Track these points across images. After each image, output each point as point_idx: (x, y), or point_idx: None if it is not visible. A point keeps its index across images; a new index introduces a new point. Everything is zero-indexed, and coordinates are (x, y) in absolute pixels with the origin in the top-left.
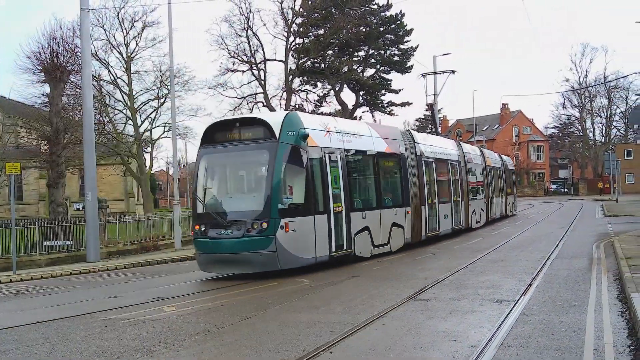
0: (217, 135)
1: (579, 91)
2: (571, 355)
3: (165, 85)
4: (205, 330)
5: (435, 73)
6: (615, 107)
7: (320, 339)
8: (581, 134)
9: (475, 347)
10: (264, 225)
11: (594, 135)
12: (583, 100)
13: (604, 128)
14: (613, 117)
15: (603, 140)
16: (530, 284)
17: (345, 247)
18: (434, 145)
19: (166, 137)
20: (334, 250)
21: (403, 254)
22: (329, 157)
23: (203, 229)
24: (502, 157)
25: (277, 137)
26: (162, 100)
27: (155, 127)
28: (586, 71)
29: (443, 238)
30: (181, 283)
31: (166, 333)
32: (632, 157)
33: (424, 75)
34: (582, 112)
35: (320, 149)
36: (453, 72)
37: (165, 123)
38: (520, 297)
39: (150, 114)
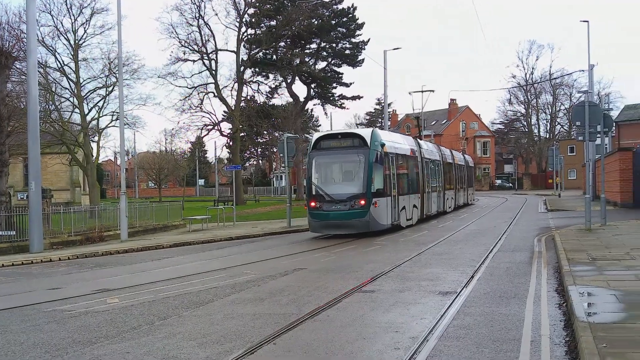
0: (324, 143)
1: (525, 88)
2: (509, 346)
3: (114, 73)
4: (149, 322)
5: (416, 92)
6: (559, 104)
7: (265, 330)
8: (526, 129)
9: (417, 338)
10: (363, 202)
11: (539, 131)
12: (529, 97)
13: (548, 124)
14: (557, 113)
15: (547, 137)
16: (472, 277)
17: (396, 220)
18: (429, 149)
19: (114, 126)
20: (391, 222)
21: (353, 245)
22: (391, 158)
23: (318, 204)
24: (465, 155)
25: (369, 145)
26: (110, 89)
27: (102, 115)
28: (532, 68)
29: (432, 218)
30: (126, 274)
31: (108, 325)
32: (574, 154)
33: (410, 93)
34: (528, 108)
35: (388, 153)
36: (432, 91)
37: (113, 112)
38: (462, 289)
39: (98, 102)
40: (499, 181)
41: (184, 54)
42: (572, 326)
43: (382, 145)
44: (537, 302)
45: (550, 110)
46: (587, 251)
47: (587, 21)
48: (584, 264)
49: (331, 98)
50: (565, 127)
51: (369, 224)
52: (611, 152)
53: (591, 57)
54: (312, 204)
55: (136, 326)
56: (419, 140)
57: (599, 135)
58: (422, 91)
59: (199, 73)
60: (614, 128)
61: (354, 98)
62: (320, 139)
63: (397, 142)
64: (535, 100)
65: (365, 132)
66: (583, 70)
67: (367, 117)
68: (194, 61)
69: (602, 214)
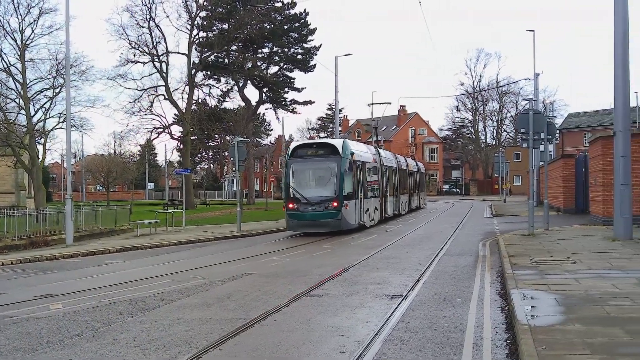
0: (300, 151)
1: (472, 95)
2: (452, 349)
3: (61, 74)
4: (92, 328)
5: (376, 103)
6: (506, 111)
7: (211, 336)
8: (473, 136)
9: (362, 341)
10: (335, 204)
11: (486, 138)
12: (476, 104)
13: (495, 131)
14: (504, 121)
15: (494, 143)
16: (418, 280)
17: (362, 220)
18: (387, 156)
19: (61, 128)
20: (358, 222)
21: (302, 249)
22: (359, 166)
23: (296, 206)
24: (417, 162)
25: (340, 154)
26: (57, 90)
27: (49, 117)
28: (480, 76)
29: (389, 219)
30: (70, 280)
31: (51, 331)
32: (520, 160)
33: (369, 105)
34: (475, 115)
35: (356, 161)
36: (389, 103)
37: (61, 113)
38: (408, 292)
39: (45, 103)
40: (446, 186)
41: (134, 55)
42: (514, 329)
43: (352, 154)
44: (481, 306)
45: (496, 118)
46: (529, 255)
47: (532, 30)
48: (526, 268)
49: (283, 103)
50: (511, 134)
51: (340, 224)
52: (555, 159)
53: (537, 65)
54: (290, 205)
55: (79, 332)
56: (379, 149)
57: (542, 142)
58: (381, 103)
59: (150, 75)
60: (557, 135)
61: (305, 103)
62: (297, 147)
63: (363, 151)
64: (482, 107)
65: (337, 142)
66: (529, 79)
67: (319, 122)
68: (144, 63)
69: (545, 219)
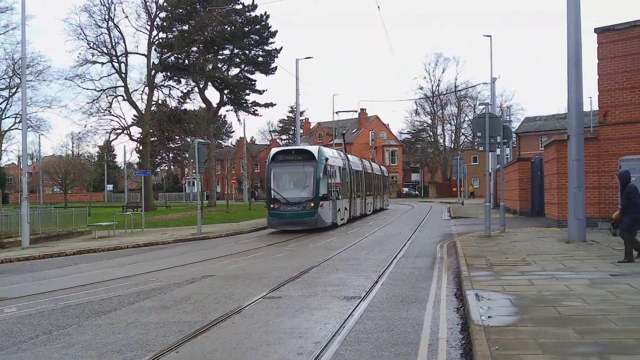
0: (280, 156)
1: (431, 99)
2: (407, 349)
3: (18, 74)
4: (47, 331)
5: (341, 111)
6: (464, 115)
7: (168, 339)
8: (432, 139)
9: (320, 343)
10: (312, 204)
11: (444, 141)
12: (435, 108)
13: (453, 135)
14: (462, 124)
15: (452, 146)
16: (376, 282)
17: (335, 219)
18: (355, 161)
19: (17, 128)
20: (331, 220)
21: (262, 251)
22: (331, 170)
23: (277, 206)
24: (381, 166)
25: (316, 159)
26: (13, 90)
27: (5, 117)
28: (439, 80)
29: (357, 219)
30: (25, 283)
31: (4, 335)
32: (478, 163)
33: (337, 113)
34: (434, 119)
35: (330, 166)
36: (356, 111)
37: (17, 114)
38: (366, 294)
39: (0, 104)
40: (406, 189)
41: (93, 56)
42: (469, 329)
43: (326, 159)
44: (437, 306)
45: (455, 121)
46: (485, 257)
47: (489, 36)
48: (482, 269)
49: (244, 105)
50: (469, 138)
51: (317, 222)
52: (511, 162)
53: (495, 70)
54: (272, 205)
55: (33, 336)
56: (347, 154)
57: (499, 145)
58: (347, 111)
59: (108, 76)
60: (514, 139)
61: (267, 105)
62: (277, 153)
63: (335, 157)
64: (441, 111)
65: (314, 149)
66: (486, 83)
67: (281, 125)
68: (102, 63)
69: (502, 222)
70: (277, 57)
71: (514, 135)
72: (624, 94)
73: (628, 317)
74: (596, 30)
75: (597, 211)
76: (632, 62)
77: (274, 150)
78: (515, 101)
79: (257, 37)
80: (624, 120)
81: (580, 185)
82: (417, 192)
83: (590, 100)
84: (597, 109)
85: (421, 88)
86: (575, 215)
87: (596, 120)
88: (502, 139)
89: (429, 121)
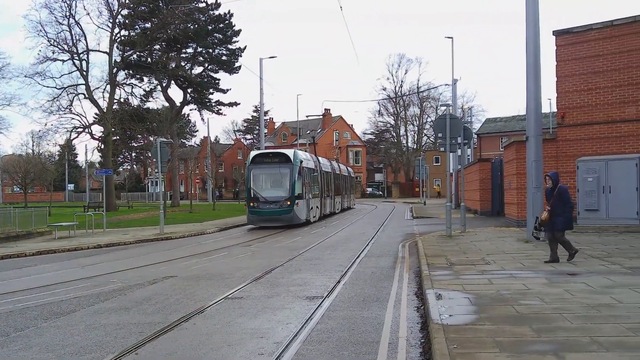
0: (258, 159)
1: (394, 100)
2: (368, 348)
3: None
4: (4, 333)
5: (312, 116)
6: (426, 116)
7: (128, 340)
8: (395, 140)
9: (281, 343)
10: (289, 203)
11: (407, 142)
12: (398, 109)
13: (416, 135)
14: (424, 125)
15: (415, 147)
16: (338, 281)
17: (308, 216)
18: (325, 163)
19: None
20: (305, 218)
21: (225, 251)
22: (305, 171)
23: (255, 204)
24: (348, 167)
25: (292, 162)
26: None
27: None
28: (402, 81)
29: (327, 217)
30: None
31: None
32: (440, 164)
33: (307, 116)
34: (397, 120)
35: (304, 168)
36: (324, 115)
37: None
38: (328, 294)
39: None
40: (370, 189)
41: (53, 53)
42: (428, 328)
43: (301, 162)
44: (398, 306)
45: (417, 122)
46: (446, 256)
47: (451, 37)
48: (442, 269)
49: (208, 104)
50: (432, 139)
51: (292, 218)
52: (472, 162)
53: (457, 71)
54: (251, 204)
55: None
56: (318, 157)
57: (459, 146)
58: (316, 116)
59: (69, 73)
60: (475, 140)
61: (231, 104)
62: (256, 156)
63: (308, 160)
64: (404, 112)
65: (290, 152)
66: (447, 85)
67: (245, 124)
68: (63, 61)
69: (462, 221)
70: (241, 56)
71: (475, 136)
72: (581, 96)
73: (583, 316)
74: (554, 32)
75: None
76: (588, 64)
77: (253, 153)
78: (476, 102)
79: (220, 35)
80: (581, 122)
81: (539, 185)
82: (380, 192)
83: (550, 101)
84: (556, 110)
85: (384, 89)
86: (534, 215)
87: (555, 121)
88: (462, 140)
89: (392, 122)
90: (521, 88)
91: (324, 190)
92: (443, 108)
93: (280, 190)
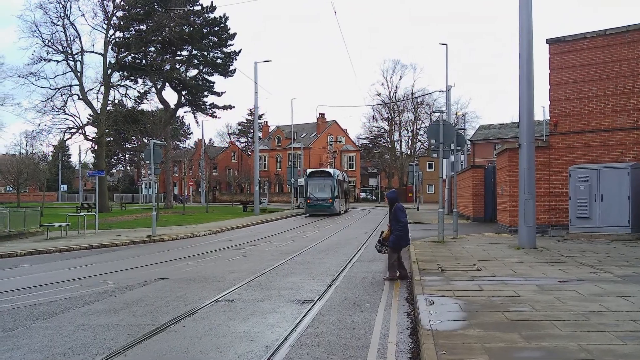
0: (313, 173)
1: (389, 105)
2: (357, 353)
3: None
4: None
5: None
6: (420, 122)
7: (117, 342)
8: (389, 145)
9: (270, 346)
10: (330, 200)
11: (401, 147)
12: (392, 115)
13: (410, 141)
14: (418, 131)
15: (409, 153)
16: (330, 286)
17: (342, 211)
18: (343, 174)
19: None
20: (339, 211)
21: (217, 254)
22: (339, 182)
23: (311, 201)
24: (344, 173)
25: (333, 176)
26: None
27: None
28: (396, 87)
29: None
30: None
31: None
32: (433, 169)
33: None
34: (391, 125)
35: (339, 179)
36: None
37: None
38: (319, 298)
39: None
40: (363, 194)
41: (48, 53)
42: (417, 334)
43: (337, 176)
44: (388, 311)
45: (411, 128)
46: (437, 262)
47: (445, 44)
48: (433, 274)
49: (202, 106)
50: (425, 144)
51: (333, 210)
52: (465, 169)
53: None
54: (308, 201)
55: None
56: (342, 172)
57: (452, 152)
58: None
59: (64, 74)
60: (468, 146)
61: (225, 107)
62: (311, 172)
63: (339, 174)
64: (398, 117)
65: (331, 170)
66: (442, 91)
67: (240, 127)
68: (57, 62)
69: (455, 227)
70: (236, 59)
71: (469, 142)
72: (574, 104)
73: (572, 323)
74: (548, 41)
75: (547, 218)
76: (581, 73)
77: (309, 170)
78: (470, 109)
79: (216, 38)
80: (573, 130)
81: (530, 192)
82: (374, 197)
83: (543, 109)
84: (549, 118)
85: (379, 94)
86: (526, 222)
87: (548, 129)
88: (455, 146)
89: (386, 127)
90: (515, 95)
91: (342, 194)
92: (437, 114)
93: (325, 193)
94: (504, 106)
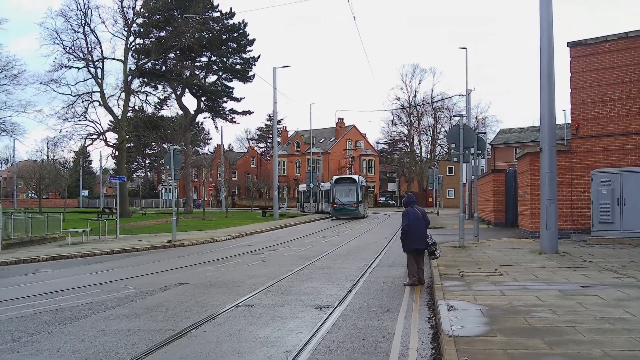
0: (339, 179)
1: (408, 109)
2: (378, 358)
3: None
4: (16, 338)
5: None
6: (440, 126)
7: (138, 347)
8: (409, 150)
9: (291, 352)
10: (355, 205)
11: (421, 151)
12: (411, 119)
13: (429, 145)
14: (438, 135)
15: (428, 157)
16: (350, 291)
17: (365, 214)
18: (365, 180)
19: None
20: (363, 214)
21: (236, 259)
22: (363, 187)
23: (337, 205)
24: (363, 178)
25: (357, 182)
26: None
27: None
28: (415, 91)
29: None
30: (3, 289)
31: None
32: (453, 174)
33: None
34: (411, 129)
35: (362, 185)
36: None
37: None
38: (339, 303)
39: None
40: (383, 198)
41: (69, 60)
42: (439, 339)
43: (361, 182)
44: (409, 316)
45: (431, 132)
46: (458, 267)
47: (465, 48)
48: (454, 280)
49: (222, 112)
50: (445, 149)
51: (358, 214)
52: (485, 173)
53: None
54: (335, 205)
55: (1, 343)
56: (364, 177)
57: (473, 157)
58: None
59: (84, 81)
60: (489, 150)
61: (244, 113)
62: (337, 179)
63: (363, 180)
64: (417, 122)
65: (356, 177)
66: (462, 95)
67: (259, 133)
68: (78, 68)
69: (475, 232)
70: (254, 65)
71: (489, 146)
72: (595, 108)
73: (596, 329)
74: (569, 44)
75: (569, 223)
76: (603, 76)
77: (335, 177)
78: (490, 113)
79: (235, 44)
80: (595, 134)
81: (552, 197)
82: (393, 202)
83: (565, 113)
84: (570, 122)
85: (398, 98)
86: (548, 227)
87: (569, 133)
88: (476, 150)
89: (406, 131)
90: (536, 99)
91: (366, 199)
92: (457, 118)
93: (350, 198)
94: (525, 110)
